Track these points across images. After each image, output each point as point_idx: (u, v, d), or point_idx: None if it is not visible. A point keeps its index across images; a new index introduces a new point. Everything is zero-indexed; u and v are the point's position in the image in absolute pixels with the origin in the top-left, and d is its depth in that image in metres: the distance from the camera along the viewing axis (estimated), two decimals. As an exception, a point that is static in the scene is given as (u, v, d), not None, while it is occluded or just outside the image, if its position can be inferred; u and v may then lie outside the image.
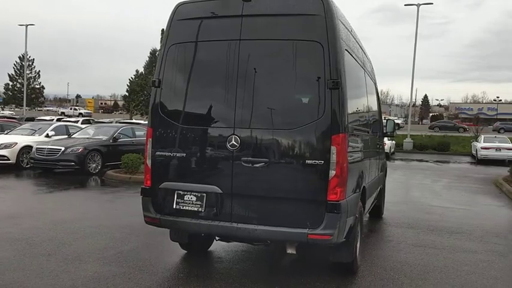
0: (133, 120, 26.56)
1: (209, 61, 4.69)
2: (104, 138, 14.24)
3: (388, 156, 21.57)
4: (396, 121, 25.95)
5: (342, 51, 4.35)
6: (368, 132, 6.03)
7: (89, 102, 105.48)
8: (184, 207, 4.57)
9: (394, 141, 25.17)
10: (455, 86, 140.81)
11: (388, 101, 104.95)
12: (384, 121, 8.04)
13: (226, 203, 4.44)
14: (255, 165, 4.36)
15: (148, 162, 4.79)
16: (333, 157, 4.16)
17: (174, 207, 4.61)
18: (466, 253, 6.18)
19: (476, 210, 9.75)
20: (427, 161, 22.61)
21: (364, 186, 5.30)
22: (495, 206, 10.51)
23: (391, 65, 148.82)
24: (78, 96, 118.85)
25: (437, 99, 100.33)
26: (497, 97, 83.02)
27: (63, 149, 12.96)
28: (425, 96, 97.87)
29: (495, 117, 66.41)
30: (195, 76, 4.69)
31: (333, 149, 4.16)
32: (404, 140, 28.63)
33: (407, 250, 6.21)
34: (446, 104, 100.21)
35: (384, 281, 4.95)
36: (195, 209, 4.53)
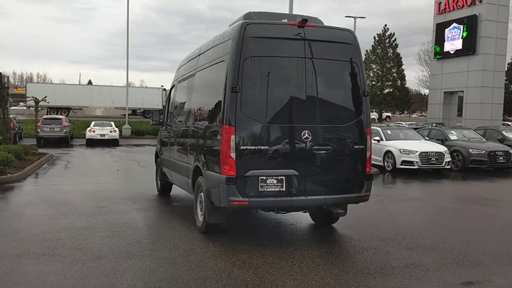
0: None
1: (282, 72, 5.93)
2: None
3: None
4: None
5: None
6: None
7: None
8: (268, 189, 5.70)
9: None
10: (105, 72, 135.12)
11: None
12: None
13: (301, 182, 5.83)
14: (321, 151, 5.93)
15: (233, 155, 5.61)
16: (368, 143, 6.23)
17: (260, 190, 5.67)
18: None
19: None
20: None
21: None
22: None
23: (42, 45, 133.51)
24: None
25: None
26: (162, 85, 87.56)
27: None
28: (90, 81, 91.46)
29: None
30: (271, 83, 5.85)
31: (368, 137, 6.23)
32: (123, 127, 30.98)
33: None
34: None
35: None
36: (277, 189, 5.73)
